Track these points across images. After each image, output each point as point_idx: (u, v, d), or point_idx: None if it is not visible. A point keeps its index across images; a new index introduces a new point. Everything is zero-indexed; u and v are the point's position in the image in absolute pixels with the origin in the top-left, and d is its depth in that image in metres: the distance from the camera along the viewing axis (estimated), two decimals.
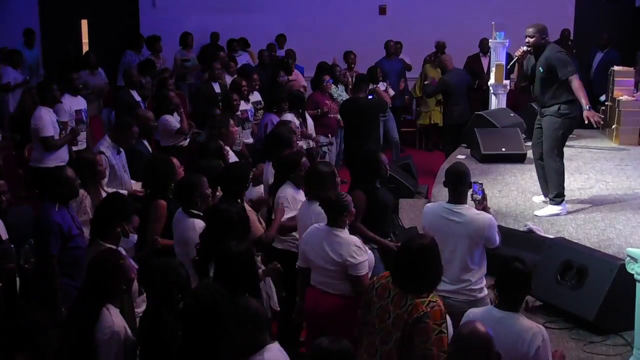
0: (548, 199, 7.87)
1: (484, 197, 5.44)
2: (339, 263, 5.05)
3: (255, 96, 10.11)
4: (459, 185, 5.30)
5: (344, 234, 5.13)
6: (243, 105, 9.33)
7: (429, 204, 5.63)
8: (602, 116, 7.92)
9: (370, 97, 9.79)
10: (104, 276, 4.14)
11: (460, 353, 3.58)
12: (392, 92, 12.13)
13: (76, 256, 5.43)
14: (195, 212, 5.43)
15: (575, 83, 7.49)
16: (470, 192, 5.45)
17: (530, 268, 4.23)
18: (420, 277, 4.25)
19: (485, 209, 5.41)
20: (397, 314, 4.24)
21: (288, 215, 5.98)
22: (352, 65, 12.54)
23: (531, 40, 7.67)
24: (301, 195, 6.06)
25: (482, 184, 5.54)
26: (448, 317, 4.23)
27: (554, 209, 7.76)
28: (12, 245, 5.69)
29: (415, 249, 4.32)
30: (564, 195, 7.82)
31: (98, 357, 4.00)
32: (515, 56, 8.02)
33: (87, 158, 6.33)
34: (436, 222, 5.24)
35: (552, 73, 7.55)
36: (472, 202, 5.46)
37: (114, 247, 4.89)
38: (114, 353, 4.02)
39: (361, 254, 5.04)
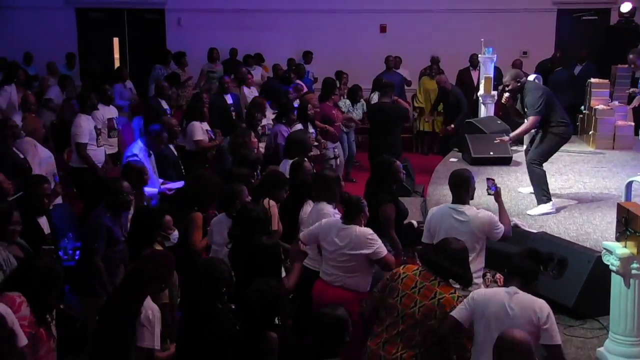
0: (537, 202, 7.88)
1: (498, 192, 5.61)
2: (353, 255, 5.02)
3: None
4: (461, 188, 5.32)
5: (355, 228, 5.11)
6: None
7: (434, 208, 5.58)
8: (505, 140, 8.45)
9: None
10: (146, 273, 4.17)
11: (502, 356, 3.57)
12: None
13: (116, 259, 5.42)
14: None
15: (529, 121, 7.70)
16: (485, 188, 5.62)
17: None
18: (462, 270, 4.40)
19: (498, 201, 5.57)
20: (424, 304, 4.29)
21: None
22: (345, 82, 12.54)
23: (508, 87, 7.94)
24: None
25: (494, 179, 5.62)
26: None
27: (545, 207, 7.77)
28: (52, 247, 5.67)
29: (458, 247, 4.47)
30: (550, 195, 7.84)
31: (143, 331, 4.03)
32: (503, 103, 8.36)
33: (136, 167, 6.22)
34: (443, 221, 5.23)
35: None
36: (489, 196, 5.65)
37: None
38: (156, 332, 4.09)
39: (374, 241, 5.05)
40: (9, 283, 4.06)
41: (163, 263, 4.27)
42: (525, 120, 7.78)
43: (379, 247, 5.04)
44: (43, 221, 5.62)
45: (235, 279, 4.37)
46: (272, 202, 5.88)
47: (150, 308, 4.10)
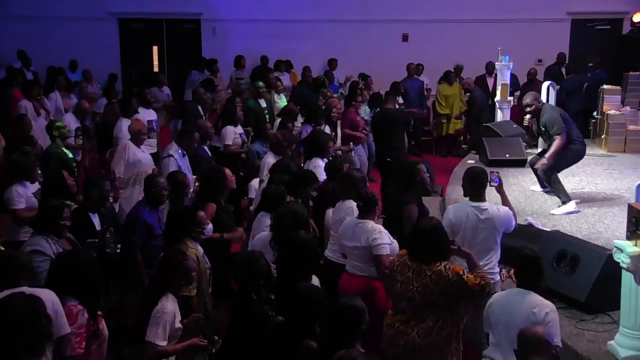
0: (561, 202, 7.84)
1: (501, 184, 5.54)
2: (364, 247, 5.08)
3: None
4: (480, 186, 5.27)
5: (370, 223, 5.14)
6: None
7: (453, 206, 5.48)
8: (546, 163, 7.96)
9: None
10: (167, 271, 4.20)
11: (523, 350, 3.59)
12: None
13: (155, 252, 5.43)
14: None
15: (558, 140, 7.64)
16: (488, 180, 5.51)
17: (535, 254, 4.33)
18: (434, 249, 4.34)
19: (501, 192, 5.50)
20: (420, 283, 4.29)
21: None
22: (370, 85, 12.43)
23: (531, 108, 7.90)
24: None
25: (498, 172, 5.58)
26: None
27: (569, 207, 7.72)
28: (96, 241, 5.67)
29: (429, 227, 4.42)
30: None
31: (149, 325, 4.07)
32: (525, 125, 8.40)
33: (179, 179, 6.07)
34: (467, 219, 5.17)
35: (548, 130, 7.81)
36: (491, 187, 5.52)
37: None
38: (161, 328, 4.09)
39: (382, 238, 5.05)
40: (53, 281, 4.11)
41: (179, 264, 4.25)
42: (555, 139, 7.66)
43: (382, 245, 5.04)
44: (95, 218, 5.65)
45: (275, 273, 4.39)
46: (291, 199, 5.89)
47: (162, 308, 4.09)
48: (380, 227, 5.18)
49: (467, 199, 5.34)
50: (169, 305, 4.13)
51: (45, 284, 4.16)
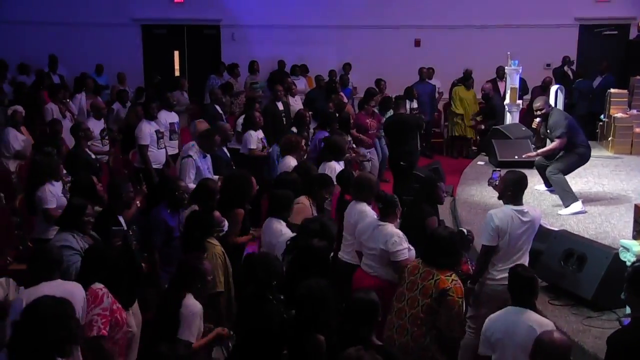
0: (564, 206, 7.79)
1: (500, 181, 5.50)
2: (381, 250, 5.06)
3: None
4: (521, 190, 5.17)
5: (390, 226, 5.11)
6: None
7: (496, 211, 5.14)
8: (531, 156, 8.19)
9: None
10: (185, 274, 4.21)
11: (541, 356, 3.45)
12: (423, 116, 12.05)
13: (173, 252, 5.45)
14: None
15: (556, 142, 7.68)
16: (488, 178, 5.47)
17: (531, 273, 4.20)
18: (447, 255, 4.33)
19: (498, 188, 5.44)
20: (424, 285, 4.33)
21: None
22: (383, 89, 12.41)
23: (542, 112, 7.88)
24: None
25: (500, 170, 5.51)
26: None
27: (576, 207, 7.66)
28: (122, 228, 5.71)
29: (445, 234, 4.46)
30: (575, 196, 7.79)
31: (181, 325, 4.06)
32: (534, 127, 8.31)
33: (210, 186, 5.91)
34: (512, 223, 5.00)
35: (551, 133, 7.82)
36: (490, 186, 5.52)
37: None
38: (194, 327, 4.10)
39: (400, 243, 5.03)
40: (85, 272, 4.16)
41: (195, 267, 4.25)
42: (555, 141, 7.68)
43: (400, 251, 5.02)
44: (122, 219, 5.64)
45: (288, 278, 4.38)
46: (304, 198, 5.86)
47: (189, 305, 4.10)
48: (398, 232, 5.13)
49: (502, 202, 5.19)
50: (194, 303, 4.13)
51: (77, 276, 4.20)
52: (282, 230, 5.33)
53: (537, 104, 7.98)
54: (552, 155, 8.06)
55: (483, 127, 11.53)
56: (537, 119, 8.02)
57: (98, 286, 4.04)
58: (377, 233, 5.12)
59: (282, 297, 4.25)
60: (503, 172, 5.63)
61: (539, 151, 7.99)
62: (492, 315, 4.21)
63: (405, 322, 4.33)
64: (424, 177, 6.55)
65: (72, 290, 3.91)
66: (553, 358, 3.39)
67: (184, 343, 4.02)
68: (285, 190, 5.70)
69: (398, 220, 5.36)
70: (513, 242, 5.00)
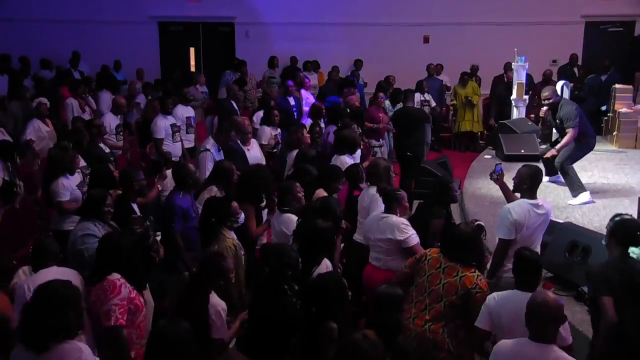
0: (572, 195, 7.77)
1: (502, 174, 5.53)
2: (390, 240, 5.05)
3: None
4: (536, 184, 5.13)
5: (394, 217, 5.10)
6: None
7: (513, 205, 5.04)
8: (555, 154, 7.92)
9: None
10: (207, 272, 4.19)
11: (536, 317, 3.39)
12: (434, 103, 12.07)
13: (192, 234, 5.48)
14: (286, 208, 5.44)
15: (570, 133, 7.62)
16: (491, 171, 5.49)
17: (536, 255, 4.19)
18: (471, 252, 4.33)
19: (503, 184, 5.48)
20: (448, 281, 4.28)
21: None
22: (392, 83, 12.32)
23: (549, 101, 7.84)
24: None
25: (501, 163, 5.50)
26: None
27: (584, 197, 7.66)
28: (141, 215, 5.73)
29: (469, 231, 4.43)
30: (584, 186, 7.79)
31: (213, 325, 4.05)
32: (541, 116, 8.27)
33: (225, 166, 6.06)
34: (528, 217, 4.96)
35: (563, 123, 7.75)
36: (491, 180, 5.49)
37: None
38: (224, 324, 4.11)
39: (407, 230, 5.02)
40: (101, 261, 4.18)
41: (218, 265, 4.23)
42: (568, 131, 7.64)
43: (410, 236, 5.02)
44: (135, 207, 5.73)
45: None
46: (321, 192, 5.87)
47: (216, 304, 4.08)
48: (403, 219, 5.12)
49: (519, 196, 5.16)
50: (218, 302, 4.12)
51: (93, 263, 4.24)
52: (293, 220, 5.33)
53: (545, 93, 7.93)
54: (555, 144, 8.07)
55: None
56: (544, 108, 7.97)
57: (116, 276, 4.06)
58: (382, 225, 5.13)
59: (296, 288, 4.24)
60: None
61: (558, 147, 7.79)
62: (497, 295, 4.10)
63: (425, 314, 4.30)
64: (437, 179, 6.49)
65: (69, 276, 3.97)
66: (548, 318, 3.36)
67: (218, 342, 4.03)
68: (289, 181, 5.77)
69: (406, 212, 5.34)
70: (529, 235, 4.96)
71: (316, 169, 6.48)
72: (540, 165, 9.06)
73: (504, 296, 4.07)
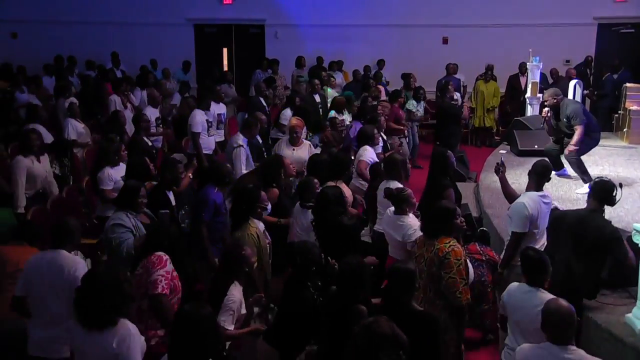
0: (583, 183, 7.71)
1: (504, 168, 5.56)
2: (400, 242, 5.04)
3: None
4: (545, 178, 5.13)
5: (405, 219, 5.06)
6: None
7: (527, 200, 4.98)
8: (574, 149, 7.67)
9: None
10: (231, 262, 4.22)
11: (552, 324, 3.40)
12: (460, 102, 11.94)
13: (220, 227, 5.50)
14: (310, 204, 5.43)
15: (579, 130, 7.54)
16: (496, 165, 5.49)
17: (540, 254, 4.12)
18: (439, 222, 4.34)
19: (503, 177, 5.48)
20: (429, 257, 4.31)
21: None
22: (414, 81, 12.25)
23: (547, 102, 7.81)
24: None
25: (504, 153, 5.48)
26: None
27: None
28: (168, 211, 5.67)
29: (440, 206, 4.46)
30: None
31: (221, 309, 4.06)
32: (543, 117, 8.17)
33: (276, 160, 6.23)
34: (540, 210, 4.95)
35: (570, 122, 7.66)
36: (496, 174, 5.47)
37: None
38: (230, 314, 4.09)
39: (417, 233, 4.97)
40: (149, 244, 4.24)
41: (237, 254, 4.24)
42: (577, 128, 7.56)
43: (408, 231, 4.97)
44: (170, 195, 5.75)
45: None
46: (342, 185, 5.86)
47: (231, 295, 4.08)
48: (415, 223, 5.06)
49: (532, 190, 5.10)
50: (237, 294, 4.13)
51: (142, 247, 4.30)
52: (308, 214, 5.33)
53: (545, 95, 7.94)
54: (560, 140, 8.00)
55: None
56: (545, 109, 7.93)
57: (162, 253, 4.11)
58: (396, 226, 5.08)
59: (319, 283, 4.22)
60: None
61: (572, 142, 7.63)
62: (510, 287, 4.14)
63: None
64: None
65: (75, 259, 4.12)
66: (562, 323, 3.36)
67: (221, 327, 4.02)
68: (309, 177, 5.76)
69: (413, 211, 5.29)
70: (541, 225, 4.98)
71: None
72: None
73: (514, 287, 4.11)
